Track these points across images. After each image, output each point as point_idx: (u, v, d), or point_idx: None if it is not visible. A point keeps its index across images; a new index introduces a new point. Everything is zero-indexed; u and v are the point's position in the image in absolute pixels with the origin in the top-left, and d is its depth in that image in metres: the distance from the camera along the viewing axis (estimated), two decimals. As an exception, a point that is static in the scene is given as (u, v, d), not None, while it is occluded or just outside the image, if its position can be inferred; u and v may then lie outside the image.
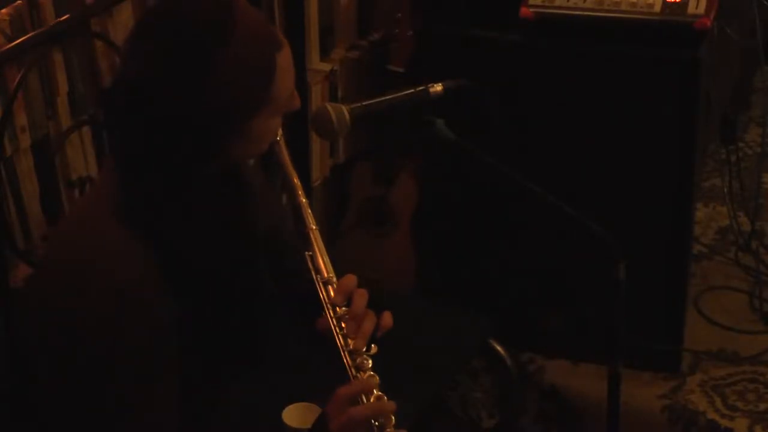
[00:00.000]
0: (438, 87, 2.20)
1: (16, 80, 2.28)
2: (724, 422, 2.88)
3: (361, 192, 3.29)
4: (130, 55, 1.78)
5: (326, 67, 3.21)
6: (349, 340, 1.88)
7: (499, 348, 2.73)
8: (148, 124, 1.74)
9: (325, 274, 1.93)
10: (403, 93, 2.20)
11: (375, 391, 1.83)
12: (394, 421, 1.84)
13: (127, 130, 1.77)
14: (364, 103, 2.14)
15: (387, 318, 1.94)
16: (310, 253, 1.94)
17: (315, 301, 1.94)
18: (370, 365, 1.86)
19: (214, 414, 1.96)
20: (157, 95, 1.72)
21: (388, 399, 1.84)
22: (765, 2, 3.17)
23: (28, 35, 2.30)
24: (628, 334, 2.09)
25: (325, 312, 1.90)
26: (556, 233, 2.82)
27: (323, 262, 1.94)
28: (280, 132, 1.93)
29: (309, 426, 1.89)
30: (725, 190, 3.32)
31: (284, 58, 1.79)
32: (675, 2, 2.69)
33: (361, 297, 1.91)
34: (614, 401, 2.15)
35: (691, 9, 2.68)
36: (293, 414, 2.22)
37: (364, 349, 1.88)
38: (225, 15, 1.73)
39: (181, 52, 1.72)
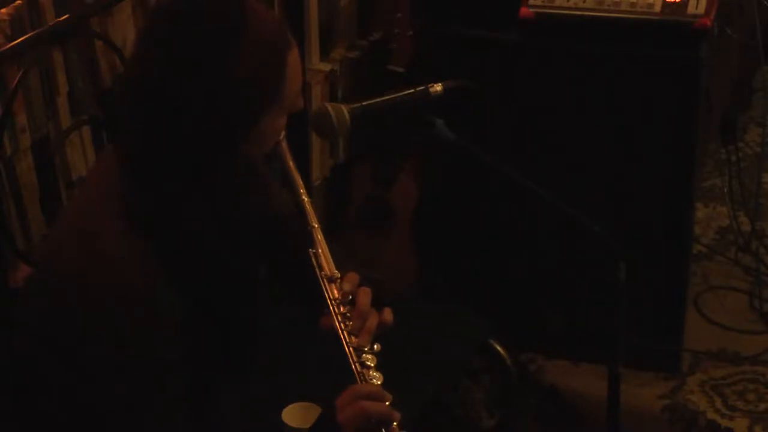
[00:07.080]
0: (438, 87, 2.20)
1: (16, 80, 2.28)
2: (724, 422, 2.88)
3: (361, 192, 3.29)
4: (141, 57, 1.77)
5: (326, 67, 3.21)
6: (353, 337, 1.88)
7: (499, 348, 2.73)
8: (162, 126, 1.73)
9: (329, 272, 1.93)
10: (403, 93, 2.20)
11: (387, 403, 1.83)
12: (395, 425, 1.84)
13: (140, 132, 1.76)
14: (364, 103, 2.14)
15: (387, 314, 1.95)
16: (314, 250, 1.95)
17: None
18: (374, 363, 1.87)
19: (215, 414, 1.96)
20: (171, 97, 1.71)
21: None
22: (765, 2, 3.16)
23: (28, 35, 2.30)
24: (628, 334, 2.10)
25: (329, 309, 1.91)
26: (556, 233, 2.83)
27: (326, 259, 1.95)
28: (282, 132, 1.93)
29: (309, 426, 1.89)
30: (725, 190, 3.32)
31: (294, 58, 1.80)
32: (675, 2, 2.69)
33: (365, 295, 1.92)
34: (614, 401, 2.15)
35: (691, 9, 2.68)
36: (293, 414, 2.22)
37: (368, 347, 1.88)
38: (237, 14, 1.73)
39: (195, 53, 1.71)
